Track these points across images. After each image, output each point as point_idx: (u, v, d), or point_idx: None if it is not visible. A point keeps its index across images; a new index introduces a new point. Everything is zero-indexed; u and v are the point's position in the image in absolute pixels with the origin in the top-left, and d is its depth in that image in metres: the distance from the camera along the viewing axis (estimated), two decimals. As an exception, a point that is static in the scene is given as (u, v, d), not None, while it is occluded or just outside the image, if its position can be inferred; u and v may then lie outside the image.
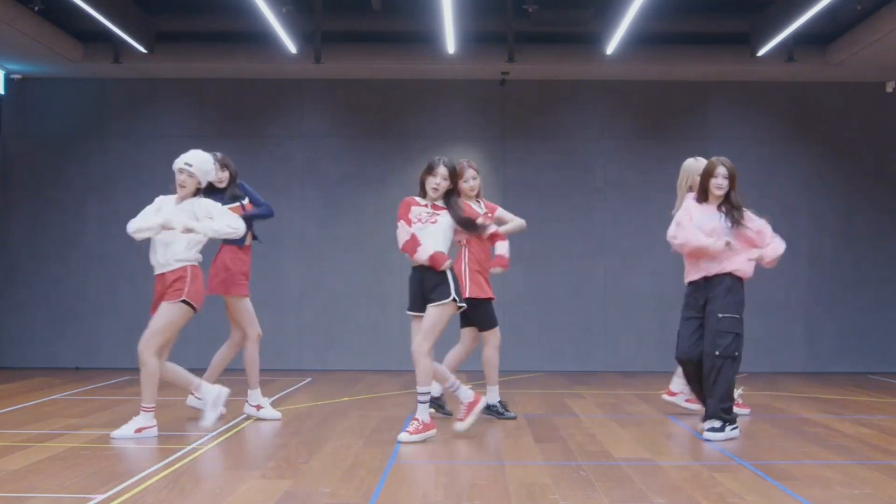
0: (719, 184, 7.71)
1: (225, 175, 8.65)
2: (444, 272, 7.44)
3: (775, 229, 13.90)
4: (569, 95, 13.95)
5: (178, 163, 7.81)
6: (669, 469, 6.52)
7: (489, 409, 8.60)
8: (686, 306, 7.88)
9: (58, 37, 12.05)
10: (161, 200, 7.91)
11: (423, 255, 7.43)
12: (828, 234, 13.71)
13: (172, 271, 7.68)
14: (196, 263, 7.75)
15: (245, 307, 8.64)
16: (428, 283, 7.46)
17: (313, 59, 12.51)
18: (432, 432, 7.45)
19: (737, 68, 13.14)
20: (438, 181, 7.54)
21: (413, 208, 7.57)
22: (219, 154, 8.66)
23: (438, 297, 7.42)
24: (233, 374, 9.30)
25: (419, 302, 7.54)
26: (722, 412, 7.61)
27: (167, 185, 11.56)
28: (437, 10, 10.74)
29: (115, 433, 7.50)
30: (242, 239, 8.44)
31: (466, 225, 7.66)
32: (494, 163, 13.89)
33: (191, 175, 7.77)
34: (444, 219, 7.55)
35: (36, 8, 11.02)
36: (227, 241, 8.47)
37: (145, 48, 12.21)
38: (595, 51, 12.54)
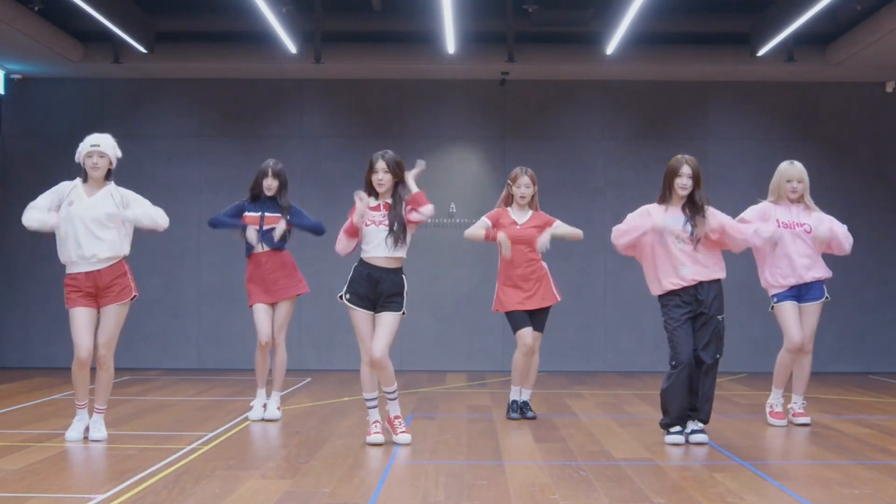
0: (683, 184, 7.44)
1: (275, 183, 8.67)
2: (402, 280, 7.34)
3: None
4: (569, 95, 13.96)
5: (85, 147, 7.49)
6: (669, 469, 6.53)
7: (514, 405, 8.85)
8: (676, 308, 7.50)
9: (58, 37, 12.05)
10: (67, 188, 7.57)
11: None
12: (828, 233, 13.71)
13: (110, 268, 7.38)
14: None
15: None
16: (387, 289, 7.27)
17: (313, 59, 12.51)
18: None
19: (737, 68, 13.14)
20: (381, 176, 7.33)
21: (367, 211, 7.35)
22: (271, 161, 8.77)
23: (397, 308, 7.30)
24: (231, 375, 9.30)
25: (368, 302, 7.32)
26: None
27: (167, 184, 11.57)
28: (437, 10, 10.74)
29: (96, 437, 7.44)
30: (250, 249, 8.69)
31: (398, 227, 7.32)
32: (494, 163, 13.90)
33: (102, 155, 7.46)
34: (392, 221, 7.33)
35: (35, 8, 11.02)
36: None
37: (145, 48, 12.21)
38: (595, 51, 12.54)
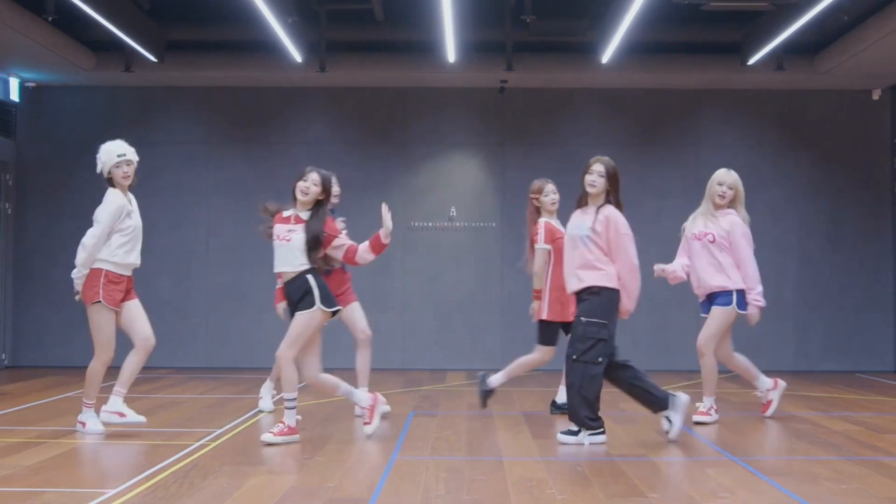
0: (592, 181, 7.32)
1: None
2: (305, 281, 7.13)
3: (765, 232, 13.92)
4: (566, 103, 13.96)
5: (112, 158, 7.47)
6: (663, 465, 6.53)
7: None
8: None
9: (71, 46, 12.06)
10: (123, 200, 7.56)
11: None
12: (816, 236, 13.72)
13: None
14: None
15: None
16: (293, 294, 7.22)
17: (318, 68, 12.53)
18: (296, 437, 7.23)
19: (728, 77, 13.15)
20: (308, 185, 7.21)
21: (276, 225, 7.26)
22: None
23: (304, 307, 7.16)
24: (238, 374, 9.30)
25: (291, 309, 7.29)
26: (580, 420, 7.27)
27: (177, 189, 11.52)
28: (438, 20, 10.75)
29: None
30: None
31: (309, 244, 7.16)
32: (494, 168, 13.91)
33: (129, 163, 7.53)
34: (299, 236, 7.17)
35: (49, 18, 11.02)
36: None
37: (155, 57, 12.22)
38: (591, 60, 12.55)
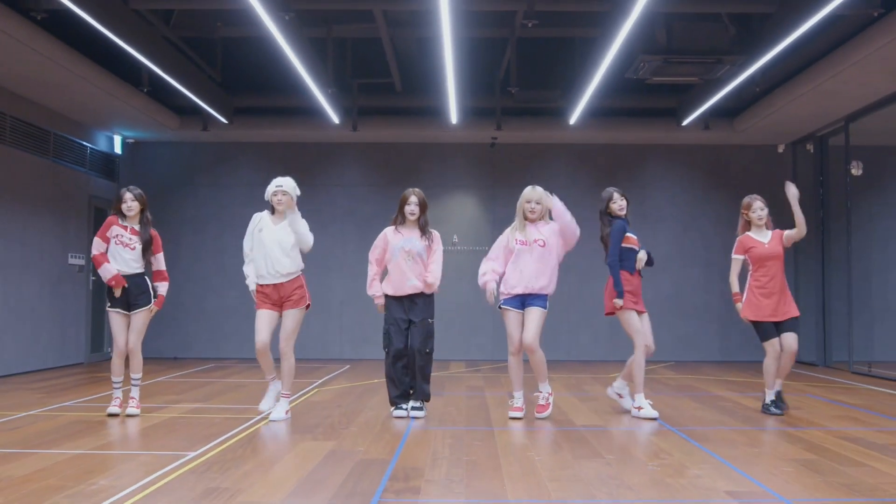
0: (411, 210, 7.22)
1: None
2: (145, 281, 7.05)
3: (697, 255, 13.91)
4: (542, 155, 14.02)
5: (271, 188, 7.19)
6: (617, 433, 6.54)
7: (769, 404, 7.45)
8: (396, 310, 7.24)
9: (161, 111, 12.15)
10: (256, 218, 7.20)
11: (105, 274, 6.97)
12: (736, 258, 13.73)
13: (290, 281, 6.97)
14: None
15: (626, 320, 7.39)
16: (133, 290, 7.05)
17: (351, 128, 12.61)
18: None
19: (666, 135, 13.21)
20: (129, 205, 7.03)
21: (113, 227, 7.05)
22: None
23: (144, 304, 7.05)
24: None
25: (123, 303, 7.05)
26: (427, 395, 7.25)
27: (242, 221, 11.41)
28: (444, 90, 10.84)
29: (277, 417, 6.94)
30: (633, 264, 7.50)
31: (146, 246, 7.07)
32: (487, 204, 13.95)
33: (284, 193, 7.14)
34: (138, 245, 7.07)
35: (144, 90, 11.14)
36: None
37: (226, 119, 12.31)
38: (561, 121, 12.62)
